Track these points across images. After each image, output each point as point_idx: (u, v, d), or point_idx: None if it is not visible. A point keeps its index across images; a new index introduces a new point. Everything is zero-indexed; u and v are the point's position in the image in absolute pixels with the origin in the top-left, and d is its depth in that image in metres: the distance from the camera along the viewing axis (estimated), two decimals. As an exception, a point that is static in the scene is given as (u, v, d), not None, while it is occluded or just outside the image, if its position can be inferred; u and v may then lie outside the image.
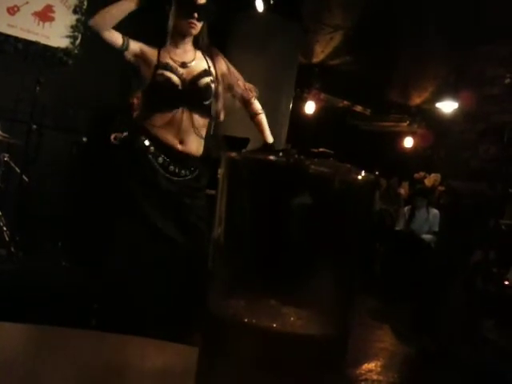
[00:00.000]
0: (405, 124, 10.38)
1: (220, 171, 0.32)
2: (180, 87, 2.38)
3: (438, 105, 8.49)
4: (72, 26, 5.16)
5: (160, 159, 2.38)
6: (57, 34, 5.10)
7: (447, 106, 7.96)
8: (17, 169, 4.29)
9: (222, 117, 2.60)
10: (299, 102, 9.06)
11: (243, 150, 0.32)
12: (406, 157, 10.42)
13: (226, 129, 4.52)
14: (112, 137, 3.38)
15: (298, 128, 7.40)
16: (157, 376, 0.53)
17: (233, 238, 0.32)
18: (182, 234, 2.42)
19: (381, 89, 8.94)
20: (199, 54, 2.50)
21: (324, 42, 7.44)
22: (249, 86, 2.67)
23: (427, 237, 6.24)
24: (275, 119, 5.95)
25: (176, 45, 2.44)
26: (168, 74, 2.36)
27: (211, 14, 2.46)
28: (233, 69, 2.62)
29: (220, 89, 2.52)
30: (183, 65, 2.41)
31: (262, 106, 2.78)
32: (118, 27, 2.39)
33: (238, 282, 0.31)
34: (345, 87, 9.04)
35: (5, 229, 4.00)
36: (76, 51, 5.16)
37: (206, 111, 2.48)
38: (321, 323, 0.31)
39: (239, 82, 2.63)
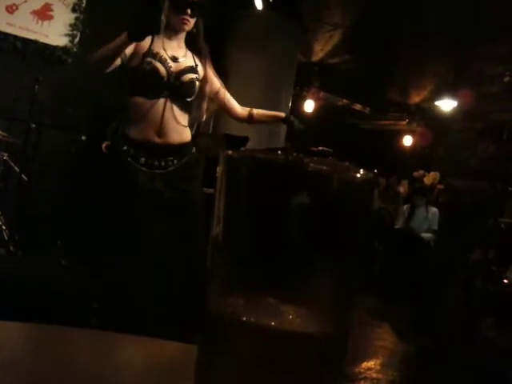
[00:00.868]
0: (404, 122, 10.38)
1: (218, 169, 0.32)
2: (165, 79, 2.36)
3: (438, 103, 8.50)
4: (71, 25, 5.15)
5: (142, 160, 2.36)
6: (56, 33, 5.10)
7: (446, 105, 7.96)
8: (16, 168, 4.29)
9: (204, 117, 2.60)
10: (298, 100, 9.06)
11: (242, 149, 0.32)
12: (405, 155, 10.42)
13: (225, 127, 4.52)
14: (103, 146, 3.29)
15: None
16: (156, 374, 0.54)
17: (231, 237, 0.32)
18: (170, 235, 2.40)
19: (380, 87, 8.94)
20: (189, 52, 2.50)
21: (323, 41, 7.44)
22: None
23: (426, 235, 6.24)
24: (274, 118, 5.94)
25: (169, 38, 2.44)
26: (156, 63, 2.34)
27: (205, 10, 2.46)
28: (216, 75, 2.62)
29: (207, 89, 2.51)
30: (174, 59, 2.40)
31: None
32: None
33: (236, 280, 0.31)
34: (344, 86, 9.05)
35: (4, 228, 4.00)
36: (75, 49, 5.16)
37: (187, 107, 2.47)
38: (320, 321, 0.31)
39: (223, 89, 2.63)
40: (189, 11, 2.37)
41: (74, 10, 5.16)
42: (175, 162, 2.42)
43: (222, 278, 0.32)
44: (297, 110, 8.67)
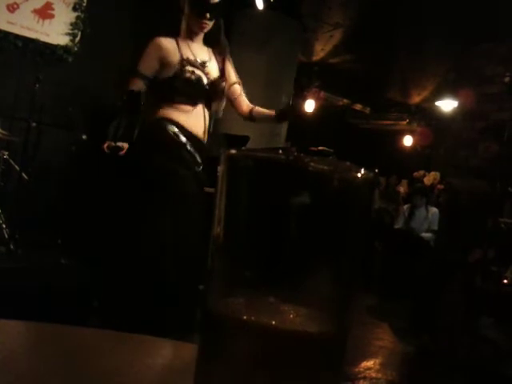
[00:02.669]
0: (404, 122, 10.38)
1: (219, 169, 0.32)
2: (206, 87, 2.45)
3: (438, 103, 8.50)
4: (72, 24, 5.15)
5: (198, 159, 2.42)
6: (56, 32, 5.10)
7: (447, 105, 7.96)
8: (16, 166, 4.29)
9: (220, 114, 2.64)
10: (299, 100, 9.05)
11: (243, 148, 0.32)
12: (406, 155, 10.43)
13: (226, 127, 4.51)
14: (105, 145, 3.22)
15: (297, 126, 7.40)
16: (156, 374, 0.54)
17: (232, 236, 0.32)
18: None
19: (380, 87, 8.94)
20: (211, 52, 2.55)
21: (324, 40, 7.44)
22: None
23: (426, 235, 6.24)
24: (275, 117, 5.93)
25: (191, 39, 2.48)
26: (199, 72, 2.42)
27: (222, 11, 2.50)
28: (233, 68, 2.67)
29: (226, 86, 2.58)
30: (203, 64, 2.46)
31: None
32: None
33: (237, 279, 0.32)
34: (344, 85, 9.05)
35: (4, 226, 4.00)
36: (76, 49, 5.16)
37: (210, 108, 2.57)
38: (320, 321, 0.31)
39: (238, 85, 2.67)
40: (208, 15, 2.39)
41: (74, 8, 5.16)
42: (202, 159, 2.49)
43: (222, 278, 0.32)
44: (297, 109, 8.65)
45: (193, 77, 2.40)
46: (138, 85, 2.42)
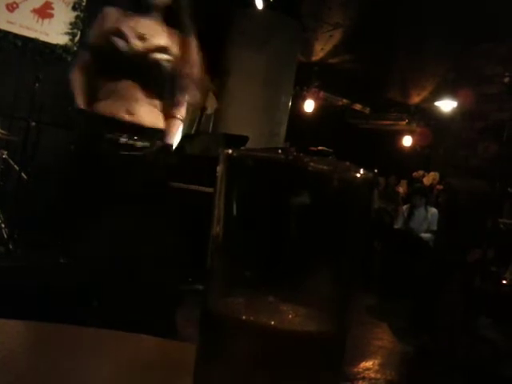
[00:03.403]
0: (404, 123, 10.40)
1: (218, 169, 0.32)
2: (129, 58, 2.23)
3: (437, 103, 8.51)
4: (71, 23, 5.16)
5: (107, 136, 2.26)
6: (56, 31, 5.10)
7: (446, 105, 7.98)
8: (15, 166, 4.29)
9: (198, 99, 2.49)
10: (298, 100, 9.07)
11: (242, 148, 0.32)
12: (405, 155, 10.44)
13: (225, 127, 4.52)
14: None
15: (297, 126, 7.40)
16: (156, 374, 0.54)
17: (232, 236, 0.32)
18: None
19: (380, 87, 8.95)
20: (167, 30, 2.35)
21: (323, 40, 7.44)
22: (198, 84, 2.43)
23: (426, 235, 6.25)
24: (274, 117, 5.94)
25: (144, 16, 2.32)
26: (119, 41, 2.21)
27: None
28: (198, 61, 2.39)
29: (189, 70, 2.35)
30: (141, 37, 2.26)
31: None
32: None
33: (236, 279, 0.32)
34: (344, 85, 9.06)
35: (3, 226, 4.00)
36: (75, 48, 5.15)
37: (160, 88, 2.33)
38: (319, 320, 0.31)
39: (194, 74, 2.38)
40: None
41: (74, 8, 5.17)
42: (143, 144, 2.31)
43: (221, 277, 0.32)
44: (297, 109, 8.67)
45: (110, 45, 2.20)
46: (85, 56, 2.31)
